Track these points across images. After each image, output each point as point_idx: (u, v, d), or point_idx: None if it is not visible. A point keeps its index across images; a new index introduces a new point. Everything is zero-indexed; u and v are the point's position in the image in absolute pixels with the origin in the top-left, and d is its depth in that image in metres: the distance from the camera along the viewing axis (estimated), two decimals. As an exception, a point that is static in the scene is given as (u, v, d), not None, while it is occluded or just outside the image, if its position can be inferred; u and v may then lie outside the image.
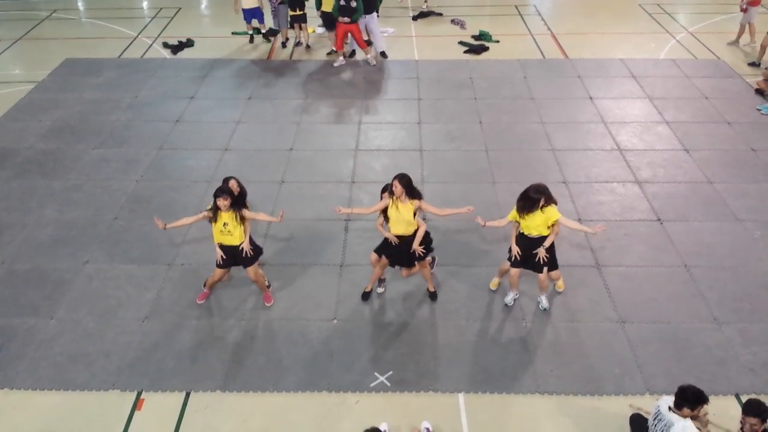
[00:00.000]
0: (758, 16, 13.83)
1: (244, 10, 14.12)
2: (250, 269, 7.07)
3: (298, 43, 14.41)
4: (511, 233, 6.96)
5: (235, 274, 7.61)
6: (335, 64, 13.42)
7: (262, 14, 14.32)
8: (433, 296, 7.46)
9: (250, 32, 14.60)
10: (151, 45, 14.65)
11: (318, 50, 14.25)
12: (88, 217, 8.85)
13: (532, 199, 6.49)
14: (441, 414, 6.13)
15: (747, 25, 13.78)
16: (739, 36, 14.05)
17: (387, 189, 6.89)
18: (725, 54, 13.77)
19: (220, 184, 7.06)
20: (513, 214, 6.75)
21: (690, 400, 5.00)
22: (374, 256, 7.18)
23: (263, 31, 14.72)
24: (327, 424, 6.07)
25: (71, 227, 8.65)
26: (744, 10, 13.58)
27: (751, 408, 4.99)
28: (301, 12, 13.69)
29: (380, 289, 7.58)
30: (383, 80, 12.86)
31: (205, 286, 7.46)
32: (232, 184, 7.07)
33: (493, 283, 7.57)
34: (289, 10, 13.77)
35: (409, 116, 11.46)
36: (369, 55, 13.42)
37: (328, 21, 13.29)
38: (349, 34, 13.14)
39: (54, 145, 10.55)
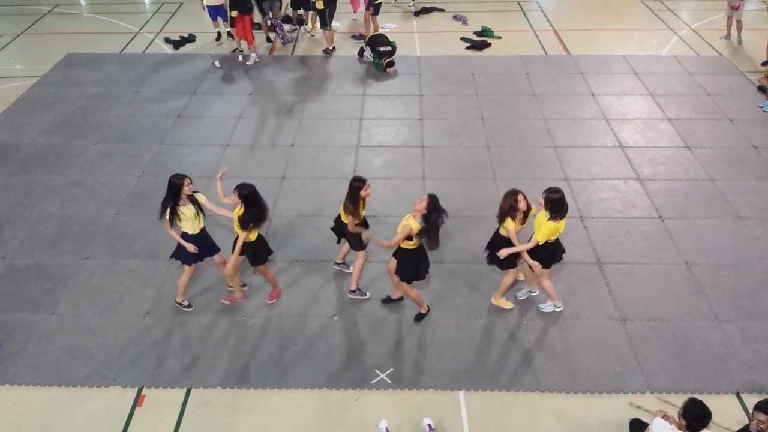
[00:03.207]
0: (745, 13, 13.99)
1: (208, 8, 13.84)
2: (218, 257, 7.15)
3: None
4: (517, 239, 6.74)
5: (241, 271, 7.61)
6: (248, 62, 13.27)
7: (226, 12, 13.71)
8: (418, 317, 7.16)
9: (217, 29, 14.39)
10: (152, 40, 14.62)
11: (319, 46, 14.24)
12: (90, 212, 8.86)
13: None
14: (441, 411, 6.14)
15: (736, 22, 13.89)
16: (738, 31, 14.03)
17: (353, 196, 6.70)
18: (727, 51, 13.74)
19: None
20: (541, 220, 6.43)
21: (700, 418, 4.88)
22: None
23: (227, 29, 14.40)
24: (327, 421, 6.08)
25: (73, 223, 8.66)
26: (736, 7, 13.61)
27: (764, 406, 5.01)
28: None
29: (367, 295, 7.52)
30: (385, 76, 12.83)
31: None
32: (187, 182, 6.79)
33: (506, 303, 7.32)
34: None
35: (411, 112, 11.44)
36: (253, 54, 13.33)
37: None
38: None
39: (55, 140, 10.55)
